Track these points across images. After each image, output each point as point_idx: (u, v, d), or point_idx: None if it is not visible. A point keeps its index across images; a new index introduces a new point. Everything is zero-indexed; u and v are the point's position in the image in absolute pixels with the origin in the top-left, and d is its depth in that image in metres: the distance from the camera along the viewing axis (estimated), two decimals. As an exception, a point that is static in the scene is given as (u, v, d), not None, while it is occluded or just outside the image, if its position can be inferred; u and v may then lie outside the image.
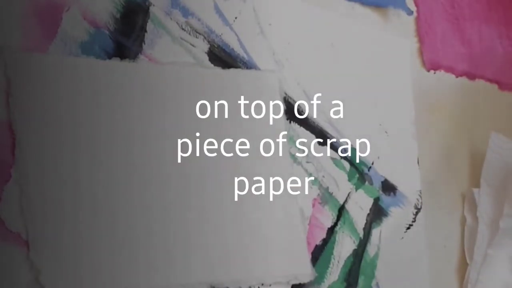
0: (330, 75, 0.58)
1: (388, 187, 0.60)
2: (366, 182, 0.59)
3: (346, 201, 0.57)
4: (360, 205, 0.58)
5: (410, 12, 0.65)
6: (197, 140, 0.50)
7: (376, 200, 0.59)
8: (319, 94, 0.57)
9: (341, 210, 0.57)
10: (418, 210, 0.62)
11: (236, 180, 0.51)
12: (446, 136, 0.66)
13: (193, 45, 0.52)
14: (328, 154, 0.57)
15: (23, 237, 0.43)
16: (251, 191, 0.52)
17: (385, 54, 0.62)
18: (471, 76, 0.69)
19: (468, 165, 0.67)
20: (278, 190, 0.53)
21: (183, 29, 0.51)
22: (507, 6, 0.73)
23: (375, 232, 0.58)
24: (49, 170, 0.44)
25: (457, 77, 0.68)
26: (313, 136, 0.56)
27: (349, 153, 0.58)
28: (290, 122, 0.55)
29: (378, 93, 0.61)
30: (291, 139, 0.55)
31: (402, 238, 0.60)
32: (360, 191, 0.58)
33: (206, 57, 0.52)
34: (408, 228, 0.61)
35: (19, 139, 0.44)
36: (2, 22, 0.45)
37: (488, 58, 0.71)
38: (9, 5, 0.45)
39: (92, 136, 0.46)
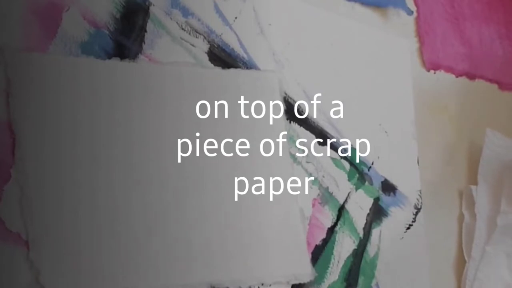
0: (330, 75, 0.58)
1: (388, 187, 0.60)
2: (366, 182, 0.59)
3: (346, 201, 0.57)
4: (360, 205, 0.58)
5: (410, 12, 0.65)
6: (197, 140, 0.50)
7: (376, 200, 0.59)
8: (319, 94, 0.57)
9: (341, 210, 0.57)
10: (418, 210, 0.62)
11: (236, 180, 0.51)
12: (446, 136, 0.66)
13: (193, 45, 0.52)
14: (328, 154, 0.57)
15: (23, 237, 0.43)
16: (251, 191, 0.52)
17: (385, 54, 0.62)
18: (471, 76, 0.69)
19: (468, 165, 0.67)
20: (278, 190, 0.53)
21: (183, 29, 0.51)
22: (507, 6, 0.73)
23: (375, 232, 0.58)
24: (49, 170, 0.44)
25: (457, 77, 0.68)
26: (313, 136, 0.56)
27: (349, 153, 0.58)
28: (290, 122, 0.55)
29: (378, 93, 0.61)
30: (291, 139, 0.55)
31: (402, 238, 0.60)
32: (360, 191, 0.58)
33: (206, 57, 0.52)
34: (408, 228, 0.61)
35: (19, 139, 0.44)
36: (2, 22, 0.45)
37: (488, 58, 0.71)
38: (9, 5, 0.45)
39: (92, 136, 0.46)
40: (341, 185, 0.57)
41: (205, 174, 0.50)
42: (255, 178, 0.52)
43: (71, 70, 0.46)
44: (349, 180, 0.58)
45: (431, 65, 0.66)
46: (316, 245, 0.55)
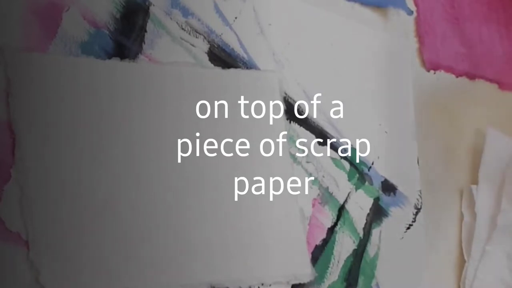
0: (330, 75, 0.58)
1: (388, 187, 0.60)
2: (366, 182, 0.59)
3: (346, 201, 0.57)
4: (360, 205, 0.58)
5: (410, 12, 0.65)
6: (197, 140, 0.50)
7: (376, 200, 0.59)
8: (319, 94, 0.57)
9: (341, 210, 0.57)
10: (418, 210, 0.62)
11: (236, 180, 0.51)
12: (446, 136, 0.66)
13: (193, 45, 0.52)
14: (328, 154, 0.57)
15: (23, 237, 0.43)
16: (251, 191, 0.52)
17: (385, 54, 0.62)
18: (471, 76, 0.69)
19: (468, 165, 0.67)
20: (278, 190, 0.53)
21: (183, 29, 0.51)
22: (507, 6, 0.73)
23: (375, 232, 0.58)
24: (49, 170, 0.44)
25: (457, 77, 0.68)
26: (313, 136, 0.56)
27: (349, 153, 0.58)
28: (290, 122, 0.55)
29: (378, 93, 0.61)
30: (291, 139, 0.55)
31: (402, 238, 0.60)
32: (360, 191, 0.58)
33: (206, 57, 0.52)
34: (408, 228, 0.61)
35: (19, 139, 0.44)
36: (2, 22, 0.45)
37: (488, 58, 0.71)
38: (9, 5, 0.45)
39: (92, 136, 0.46)
40: (341, 185, 0.57)
41: (205, 174, 0.50)
42: (255, 178, 0.52)
43: (71, 70, 0.46)
44: (349, 180, 0.58)
45: (431, 65, 0.66)
46: (316, 245, 0.55)
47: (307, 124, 0.56)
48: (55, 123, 0.45)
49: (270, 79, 0.55)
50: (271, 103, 0.54)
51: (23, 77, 0.45)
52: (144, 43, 0.50)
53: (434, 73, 0.66)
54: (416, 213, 0.61)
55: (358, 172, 0.58)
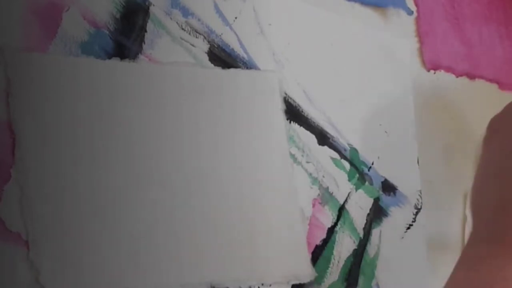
0: (330, 75, 0.58)
1: (388, 187, 0.60)
2: (366, 182, 0.59)
3: (346, 201, 0.57)
4: (360, 205, 0.58)
5: (410, 12, 0.65)
6: (197, 140, 0.50)
7: (376, 200, 0.59)
8: (319, 94, 0.57)
9: (341, 210, 0.57)
10: (418, 210, 0.62)
11: (236, 180, 0.51)
12: (446, 136, 0.66)
13: (193, 45, 0.52)
14: (328, 154, 0.57)
15: (23, 237, 0.43)
16: (251, 191, 0.52)
17: (385, 54, 0.62)
18: (471, 76, 0.69)
19: (468, 165, 0.67)
20: (278, 190, 0.53)
21: (183, 29, 0.51)
22: (507, 6, 0.73)
23: (375, 232, 0.58)
24: (49, 170, 0.44)
25: (457, 77, 0.68)
26: (313, 136, 0.56)
27: (349, 153, 0.58)
28: (290, 122, 0.55)
29: (378, 93, 0.61)
30: (291, 139, 0.55)
31: (402, 238, 0.60)
32: (360, 191, 0.58)
33: (206, 57, 0.52)
34: (408, 228, 0.61)
35: (19, 139, 0.44)
36: (2, 22, 0.45)
37: (488, 58, 0.71)
38: (9, 5, 0.45)
39: (92, 136, 0.46)
40: (341, 185, 0.57)
41: (205, 174, 0.50)
42: (255, 178, 0.52)
43: (71, 70, 0.46)
44: (349, 180, 0.58)
45: (431, 65, 0.66)
46: (316, 245, 0.55)
47: (307, 124, 0.56)
48: (55, 123, 0.45)
49: (270, 79, 0.55)
50: (271, 103, 0.54)
51: (23, 77, 0.45)
52: (144, 43, 0.50)
53: (434, 73, 0.66)
54: (416, 213, 0.61)
55: (358, 172, 0.58)
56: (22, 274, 0.42)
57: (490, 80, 0.71)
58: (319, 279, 0.54)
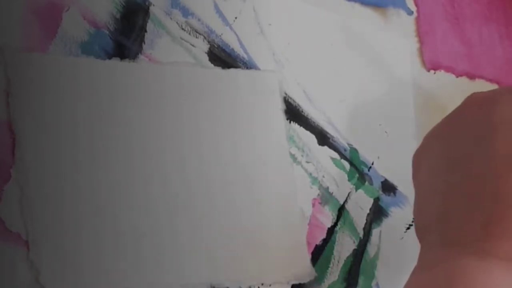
0: (330, 75, 0.58)
1: (388, 187, 0.60)
2: (366, 182, 0.59)
3: (346, 201, 0.57)
4: (360, 205, 0.58)
5: (410, 12, 0.65)
6: (197, 140, 0.50)
7: (376, 200, 0.59)
8: (319, 94, 0.57)
9: (341, 210, 0.57)
10: (418, 210, 0.62)
11: (236, 180, 0.51)
12: (446, 136, 0.66)
13: (193, 45, 0.52)
14: (328, 154, 0.57)
15: (23, 237, 0.43)
16: (250, 191, 0.52)
17: (385, 54, 0.62)
18: (471, 76, 0.69)
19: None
20: (278, 190, 0.53)
21: (183, 29, 0.51)
22: (507, 6, 0.73)
23: (375, 232, 0.58)
24: (49, 170, 0.44)
25: (457, 77, 0.68)
26: (313, 136, 0.56)
27: (349, 153, 0.58)
28: (290, 122, 0.55)
29: (378, 93, 0.61)
30: (291, 139, 0.55)
31: (402, 238, 0.60)
32: (360, 191, 0.58)
33: (206, 57, 0.52)
34: (408, 228, 0.61)
35: (19, 139, 0.44)
36: (2, 22, 0.45)
37: (488, 58, 0.70)
38: (9, 5, 0.45)
39: (92, 136, 0.46)
40: (341, 185, 0.57)
41: (205, 174, 0.50)
42: (254, 178, 0.52)
43: (71, 70, 0.46)
44: (349, 180, 0.58)
45: (431, 65, 0.66)
46: (316, 245, 0.55)
47: (307, 124, 0.56)
48: (55, 123, 0.45)
49: (270, 79, 0.55)
50: (271, 103, 0.54)
51: (23, 77, 0.45)
52: (144, 43, 0.50)
53: (434, 73, 0.66)
54: (416, 213, 0.61)
55: (358, 172, 0.58)
56: (22, 274, 0.42)
57: (490, 80, 0.71)
58: (319, 279, 0.54)
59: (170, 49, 0.51)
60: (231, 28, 0.54)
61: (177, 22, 0.51)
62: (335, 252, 0.55)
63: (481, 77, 0.70)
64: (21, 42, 0.45)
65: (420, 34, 0.66)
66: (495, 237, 0.39)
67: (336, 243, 0.56)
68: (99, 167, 0.46)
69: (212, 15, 0.53)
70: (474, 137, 0.43)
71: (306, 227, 0.54)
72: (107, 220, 0.45)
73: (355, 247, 0.57)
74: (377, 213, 0.59)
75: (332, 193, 0.56)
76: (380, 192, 0.59)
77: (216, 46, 0.53)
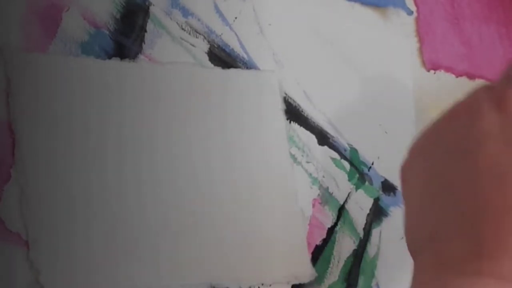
0: (330, 75, 0.58)
1: (388, 187, 0.60)
2: (366, 182, 0.59)
3: (346, 201, 0.57)
4: (360, 205, 0.58)
5: (410, 12, 0.65)
6: (197, 140, 0.50)
7: (376, 200, 0.59)
8: (319, 94, 0.57)
9: (341, 210, 0.57)
10: (418, 210, 0.61)
11: (236, 180, 0.51)
12: (446, 136, 0.66)
13: (193, 45, 0.52)
14: (328, 154, 0.57)
15: (23, 237, 0.43)
16: (250, 191, 0.52)
17: (385, 54, 0.62)
18: (471, 76, 0.69)
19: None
20: (278, 190, 0.53)
21: (183, 29, 0.51)
22: (507, 6, 0.73)
23: (375, 232, 0.58)
24: (49, 170, 0.44)
25: (457, 77, 0.68)
26: (313, 136, 0.56)
27: (349, 153, 0.58)
28: (290, 122, 0.55)
29: (378, 93, 0.61)
30: (291, 139, 0.55)
31: (402, 238, 0.60)
32: (360, 191, 0.58)
33: (206, 57, 0.52)
34: (408, 228, 0.60)
35: (19, 139, 0.44)
36: (2, 22, 0.45)
37: (488, 58, 0.70)
38: (9, 5, 0.45)
39: (92, 136, 0.46)
40: (341, 185, 0.57)
41: (205, 174, 0.50)
42: (254, 178, 0.52)
43: (71, 70, 0.46)
44: (349, 180, 0.58)
45: (431, 65, 0.66)
46: (316, 245, 0.55)
47: (307, 124, 0.56)
48: (55, 123, 0.45)
49: (270, 79, 0.55)
50: (271, 103, 0.54)
51: (23, 77, 0.45)
52: (144, 43, 0.50)
53: (434, 73, 0.66)
54: (416, 213, 0.61)
55: (358, 172, 0.58)
56: (22, 274, 0.42)
57: (490, 80, 0.70)
58: (319, 279, 0.54)
59: (170, 49, 0.51)
60: (231, 28, 0.54)
61: (177, 22, 0.51)
62: (335, 252, 0.55)
63: (481, 77, 0.70)
64: (21, 42, 0.45)
65: (420, 34, 0.66)
66: (487, 256, 0.38)
67: (336, 243, 0.56)
68: (99, 167, 0.46)
69: (212, 15, 0.53)
70: (458, 151, 0.41)
71: (306, 227, 0.54)
72: (106, 221, 0.45)
73: (355, 247, 0.57)
74: (377, 213, 0.59)
75: (332, 193, 0.56)
76: (380, 192, 0.59)
77: (216, 46, 0.53)
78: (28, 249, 0.43)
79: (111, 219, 0.46)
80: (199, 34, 0.52)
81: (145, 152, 0.48)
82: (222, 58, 0.53)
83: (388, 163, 0.60)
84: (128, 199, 0.47)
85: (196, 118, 0.50)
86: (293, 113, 0.55)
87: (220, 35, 0.53)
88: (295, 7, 0.57)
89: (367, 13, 0.62)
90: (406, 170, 0.46)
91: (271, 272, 0.51)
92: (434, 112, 0.66)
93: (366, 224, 0.58)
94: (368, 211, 0.58)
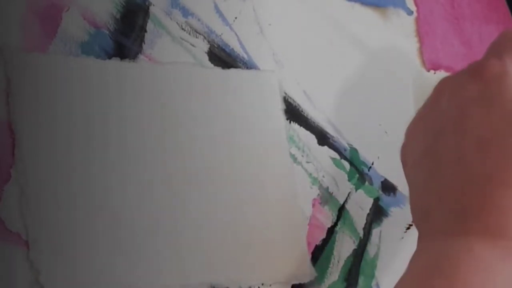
0: (330, 75, 0.58)
1: (388, 187, 0.60)
2: (366, 182, 0.59)
3: (346, 201, 0.57)
4: (360, 205, 0.58)
5: (410, 12, 0.65)
6: (197, 140, 0.50)
7: (376, 200, 0.59)
8: (319, 94, 0.57)
9: (341, 210, 0.57)
10: (418, 210, 0.61)
11: (236, 180, 0.51)
12: (446, 136, 0.66)
13: (193, 45, 0.52)
14: (328, 154, 0.57)
15: (23, 237, 0.43)
16: (250, 191, 0.52)
17: (385, 54, 0.62)
18: (471, 76, 0.69)
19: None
20: (278, 190, 0.53)
21: (183, 29, 0.51)
22: (507, 6, 0.73)
23: (375, 232, 0.58)
24: (49, 170, 0.44)
25: (457, 77, 0.68)
26: (313, 136, 0.56)
27: (349, 153, 0.58)
28: (290, 122, 0.55)
29: (378, 93, 0.61)
30: (291, 139, 0.55)
31: (402, 238, 0.60)
32: (360, 191, 0.58)
33: (206, 57, 0.52)
34: (408, 228, 0.61)
35: (19, 139, 0.44)
36: (2, 22, 0.45)
37: (488, 58, 0.70)
38: (9, 5, 0.45)
39: (92, 136, 0.46)
40: (341, 185, 0.57)
41: (205, 174, 0.50)
42: (254, 178, 0.52)
43: (71, 70, 0.46)
44: (349, 180, 0.58)
45: (431, 65, 0.66)
46: (316, 245, 0.55)
47: (307, 124, 0.56)
48: (55, 123, 0.45)
49: (270, 79, 0.55)
50: (271, 103, 0.54)
51: (23, 77, 0.45)
52: (144, 43, 0.50)
53: (434, 73, 0.66)
54: (416, 213, 0.61)
55: (358, 172, 0.58)
56: (22, 274, 0.42)
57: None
58: (319, 279, 0.54)
59: (170, 49, 0.51)
60: (231, 28, 0.54)
61: (177, 22, 0.51)
62: (335, 252, 0.55)
63: (481, 77, 0.70)
64: (21, 42, 0.45)
65: (420, 34, 0.66)
66: (472, 217, 0.41)
67: (336, 243, 0.56)
68: (99, 167, 0.46)
69: (212, 15, 0.53)
70: (445, 123, 0.44)
71: (306, 227, 0.54)
72: (107, 220, 0.45)
73: (355, 247, 0.57)
74: (377, 213, 0.59)
75: (332, 193, 0.56)
76: (380, 192, 0.59)
77: (216, 46, 0.53)
78: (28, 249, 0.43)
79: (111, 219, 0.46)
80: (199, 34, 0.52)
81: (145, 152, 0.48)
82: (222, 58, 0.53)
83: (388, 163, 0.60)
84: (128, 199, 0.47)
85: (196, 118, 0.50)
86: (293, 113, 0.55)
87: (220, 35, 0.53)
88: (295, 7, 0.57)
89: (367, 13, 0.62)
90: (405, 150, 0.49)
91: (271, 272, 0.51)
92: (434, 112, 0.66)
93: (366, 224, 0.58)
94: (368, 211, 0.58)
